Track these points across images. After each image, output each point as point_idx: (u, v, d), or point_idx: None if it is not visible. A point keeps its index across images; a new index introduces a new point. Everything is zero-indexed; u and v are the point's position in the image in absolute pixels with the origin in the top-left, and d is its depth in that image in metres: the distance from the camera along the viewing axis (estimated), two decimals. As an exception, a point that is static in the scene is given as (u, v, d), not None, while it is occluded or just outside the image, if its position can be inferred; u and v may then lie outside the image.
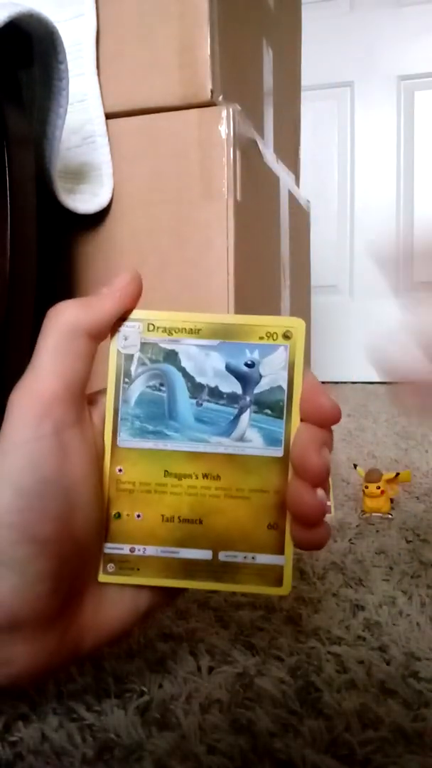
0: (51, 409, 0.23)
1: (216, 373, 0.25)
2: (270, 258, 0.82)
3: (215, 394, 0.25)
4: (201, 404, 0.25)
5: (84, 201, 0.63)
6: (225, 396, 0.25)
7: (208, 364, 0.25)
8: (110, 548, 0.25)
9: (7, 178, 0.44)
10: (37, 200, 0.49)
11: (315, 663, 0.37)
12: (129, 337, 0.25)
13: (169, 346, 0.25)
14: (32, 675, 0.23)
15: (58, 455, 0.23)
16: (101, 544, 0.25)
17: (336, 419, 0.25)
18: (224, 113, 0.62)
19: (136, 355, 0.25)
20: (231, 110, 0.62)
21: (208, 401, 0.25)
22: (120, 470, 0.25)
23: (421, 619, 0.42)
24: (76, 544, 0.24)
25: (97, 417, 0.26)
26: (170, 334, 0.25)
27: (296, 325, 0.25)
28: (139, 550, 0.25)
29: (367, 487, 0.63)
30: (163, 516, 0.25)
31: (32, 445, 0.23)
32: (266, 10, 0.85)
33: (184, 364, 0.25)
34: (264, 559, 0.25)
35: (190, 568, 0.25)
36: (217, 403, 0.25)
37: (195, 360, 0.25)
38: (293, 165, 1.02)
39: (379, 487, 0.63)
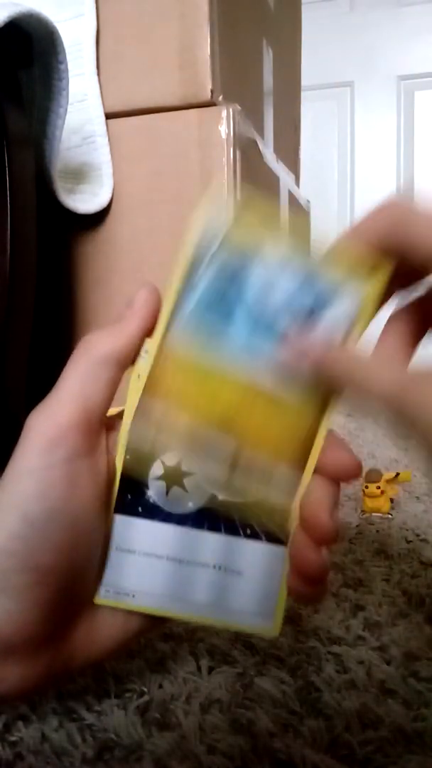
0: (66, 437, 0.23)
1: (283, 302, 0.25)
2: (270, 258, 0.82)
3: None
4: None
5: (84, 201, 0.63)
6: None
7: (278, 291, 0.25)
8: (109, 572, 0.25)
9: (7, 178, 0.44)
10: (37, 200, 0.49)
11: (315, 663, 0.37)
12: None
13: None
14: (23, 693, 0.23)
15: (68, 485, 0.23)
16: (101, 569, 0.25)
17: (356, 476, 0.25)
18: (224, 113, 0.62)
19: (209, 254, 0.25)
20: (231, 110, 0.62)
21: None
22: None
23: (421, 619, 0.42)
24: (75, 571, 0.24)
25: (113, 443, 0.26)
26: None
27: (381, 270, 0.24)
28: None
29: (367, 487, 0.63)
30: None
31: (42, 473, 0.22)
32: (266, 10, 0.85)
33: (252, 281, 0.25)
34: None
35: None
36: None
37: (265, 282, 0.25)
38: (293, 165, 1.02)
39: (379, 487, 0.63)
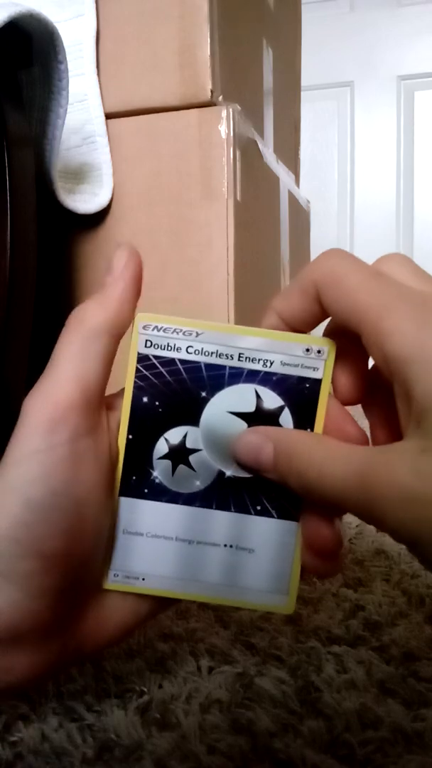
0: (66, 418, 0.22)
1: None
2: (270, 258, 0.82)
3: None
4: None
5: (84, 201, 0.63)
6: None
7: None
8: (117, 556, 0.25)
9: (7, 178, 0.44)
10: (37, 200, 0.49)
11: (315, 663, 0.37)
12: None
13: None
14: (32, 681, 0.23)
15: (71, 466, 0.22)
16: (109, 553, 0.25)
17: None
18: (224, 113, 0.62)
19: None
20: (231, 110, 0.62)
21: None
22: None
23: (421, 619, 0.42)
24: (82, 556, 0.23)
25: (113, 422, 0.25)
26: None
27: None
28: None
29: (367, 487, 0.63)
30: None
31: (44, 456, 0.22)
32: (266, 10, 0.85)
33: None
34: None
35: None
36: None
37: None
38: (293, 165, 1.02)
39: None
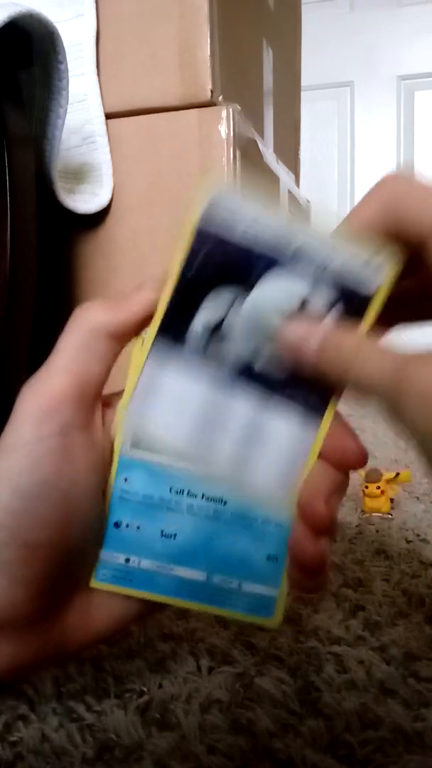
0: (59, 409, 0.22)
1: None
2: (270, 258, 0.82)
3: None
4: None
5: (84, 201, 0.63)
6: None
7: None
8: (106, 555, 0.25)
9: (7, 178, 0.44)
10: (37, 200, 0.49)
11: (315, 663, 0.37)
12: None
13: None
14: (15, 672, 0.23)
15: (61, 458, 0.22)
16: (96, 550, 0.25)
17: (360, 464, 0.24)
18: (224, 113, 0.62)
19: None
20: (231, 110, 0.62)
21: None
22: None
23: (421, 619, 0.42)
24: (69, 549, 0.23)
25: (110, 420, 0.25)
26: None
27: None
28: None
29: (367, 487, 0.63)
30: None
31: (35, 446, 0.22)
32: (266, 10, 0.85)
33: None
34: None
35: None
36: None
37: None
38: (293, 165, 1.02)
39: (379, 487, 0.63)
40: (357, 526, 0.61)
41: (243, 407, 0.24)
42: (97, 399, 0.24)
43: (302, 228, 0.23)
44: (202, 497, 0.25)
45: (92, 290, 0.68)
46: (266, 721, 0.32)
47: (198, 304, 0.24)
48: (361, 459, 0.24)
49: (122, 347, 0.24)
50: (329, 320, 0.23)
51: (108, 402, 0.25)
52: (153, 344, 0.24)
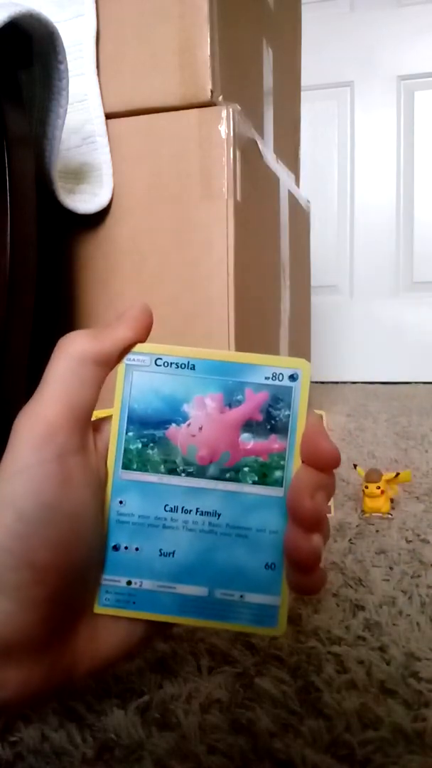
0: (55, 435, 0.23)
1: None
2: (270, 258, 0.82)
3: None
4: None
5: (84, 201, 0.63)
6: None
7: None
8: (107, 580, 0.25)
9: (7, 178, 0.44)
10: (37, 200, 0.49)
11: (315, 663, 0.37)
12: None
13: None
14: (24, 699, 0.23)
15: (61, 481, 0.23)
16: (99, 573, 0.25)
17: (334, 464, 0.25)
18: (224, 113, 0.62)
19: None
20: (231, 110, 0.62)
21: None
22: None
23: (421, 619, 0.42)
24: (74, 572, 0.23)
25: (101, 445, 0.26)
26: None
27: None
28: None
29: (367, 487, 0.63)
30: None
31: (35, 470, 0.23)
32: (266, 10, 0.85)
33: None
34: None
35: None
36: None
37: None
38: (293, 165, 1.02)
39: (379, 487, 0.63)
40: (357, 526, 0.61)
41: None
42: (89, 423, 0.25)
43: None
44: (197, 512, 0.25)
45: (92, 290, 0.68)
46: (266, 721, 0.32)
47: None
48: (334, 458, 0.25)
49: (107, 373, 0.25)
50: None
51: (98, 427, 0.26)
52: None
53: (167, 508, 0.25)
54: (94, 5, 0.62)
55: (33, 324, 0.50)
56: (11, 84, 0.47)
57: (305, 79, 1.13)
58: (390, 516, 0.63)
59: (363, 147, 1.84)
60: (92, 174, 0.64)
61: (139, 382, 0.25)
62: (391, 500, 0.65)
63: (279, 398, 0.25)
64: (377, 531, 0.59)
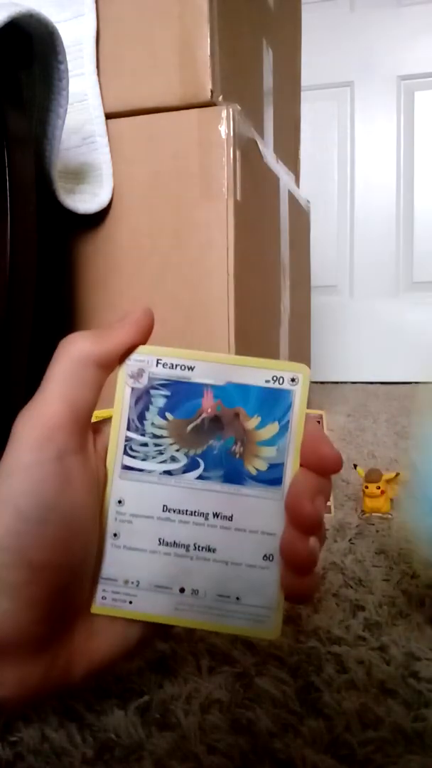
0: (54, 435, 0.23)
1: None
2: (270, 258, 0.82)
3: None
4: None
5: (84, 201, 0.63)
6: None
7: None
8: (104, 579, 0.25)
9: (7, 178, 0.44)
10: (37, 200, 0.49)
11: (315, 663, 0.37)
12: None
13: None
14: (21, 699, 0.23)
15: (60, 481, 0.23)
16: (97, 573, 0.25)
17: (336, 469, 0.25)
18: (224, 113, 0.62)
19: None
20: (231, 110, 0.62)
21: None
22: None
23: (421, 619, 0.42)
24: (72, 571, 0.24)
25: (100, 446, 0.26)
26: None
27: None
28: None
29: (367, 487, 0.63)
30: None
31: (34, 470, 0.23)
32: (266, 10, 0.85)
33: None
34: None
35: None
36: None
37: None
38: (293, 165, 1.02)
39: (379, 487, 0.63)
40: (357, 526, 0.61)
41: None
42: (89, 424, 0.25)
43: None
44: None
45: (92, 290, 0.68)
46: (266, 721, 0.32)
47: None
48: (337, 463, 0.25)
49: (108, 374, 0.25)
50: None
51: (97, 428, 0.26)
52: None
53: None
54: (94, 5, 0.62)
55: (33, 324, 0.50)
56: (11, 84, 0.47)
57: (305, 79, 1.13)
58: (390, 516, 0.63)
59: (363, 147, 1.84)
60: (92, 174, 0.64)
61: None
62: (391, 500, 0.65)
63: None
64: (377, 531, 0.59)
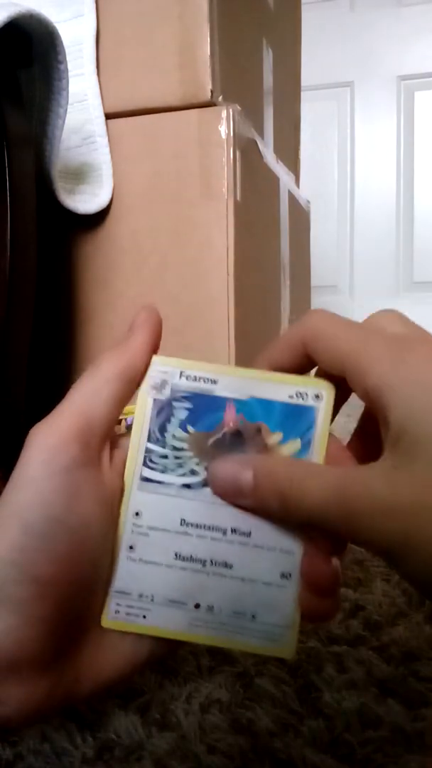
0: (65, 448, 0.23)
1: None
2: (270, 258, 0.82)
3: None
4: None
5: (84, 201, 0.63)
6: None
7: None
8: (117, 593, 0.25)
9: (7, 178, 0.44)
10: (37, 200, 0.49)
11: (315, 663, 0.37)
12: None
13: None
14: (25, 717, 0.22)
15: (68, 495, 0.23)
16: (106, 589, 0.25)
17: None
18: (224, 113, 0.62)
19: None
20: (231, 110, 0.62)
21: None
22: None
23: (421, 619, 0.42)
24: (80, 587, 0.23)
25: (118, 459, 0.25)
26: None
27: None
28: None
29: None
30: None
31: (43, 483, 0.22)
32: (266, 10, 0.85)
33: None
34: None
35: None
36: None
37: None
38: (293, 165, 1.02)
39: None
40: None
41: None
42: (105, 439, 0.25)
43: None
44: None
45: (92, 290, 0.68)
46: (266, 720, 0.32)
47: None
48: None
49: (134, 387, 0.25)
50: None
51: (115, 442, 0.26)
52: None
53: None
54: (94, 5, 0.62)
55: (33, 324, 0.50)
56: (11, 84, 0.47)
57: (305, 79, 1.13)
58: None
59: (363, 147, 1.84)
60: (92, 174, 0.64)
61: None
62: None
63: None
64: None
